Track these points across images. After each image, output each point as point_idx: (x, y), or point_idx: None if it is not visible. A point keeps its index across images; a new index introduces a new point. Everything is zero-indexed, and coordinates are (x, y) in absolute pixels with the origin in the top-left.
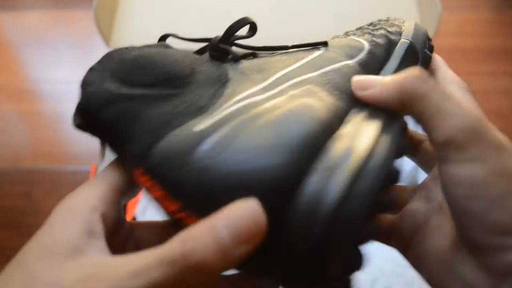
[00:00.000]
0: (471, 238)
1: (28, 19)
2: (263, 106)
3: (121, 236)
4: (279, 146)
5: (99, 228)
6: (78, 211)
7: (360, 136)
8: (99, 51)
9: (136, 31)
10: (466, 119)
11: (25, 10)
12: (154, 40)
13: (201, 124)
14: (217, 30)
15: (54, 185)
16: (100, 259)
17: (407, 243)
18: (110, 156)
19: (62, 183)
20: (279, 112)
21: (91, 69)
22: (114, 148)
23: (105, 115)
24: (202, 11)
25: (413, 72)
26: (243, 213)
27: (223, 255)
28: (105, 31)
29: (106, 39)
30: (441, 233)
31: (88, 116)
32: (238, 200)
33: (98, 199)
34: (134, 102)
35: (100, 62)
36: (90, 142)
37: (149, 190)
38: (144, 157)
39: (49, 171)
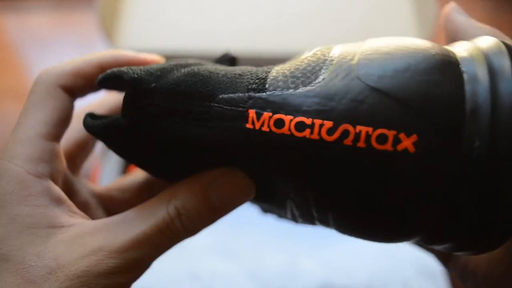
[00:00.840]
0: None
1: (32, 21)
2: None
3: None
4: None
5: (58, 191)
6: (33, 190)
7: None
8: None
9: (139, 32)
10: None
11: (29, 12)
12: (156, 40)
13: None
14: (220, 30)
15: None
16: (83, 226)
17: (448, 254)
18: (111, 156)
19: None
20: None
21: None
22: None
23: (174, 75)
24: (205, 11)
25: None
26: (232, 182)
27: (215, 219)
28: (108, 32)
29: (109, 40)
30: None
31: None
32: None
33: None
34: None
35: None
36: None
37: (273, 127)
38: (258, 92)
39: None
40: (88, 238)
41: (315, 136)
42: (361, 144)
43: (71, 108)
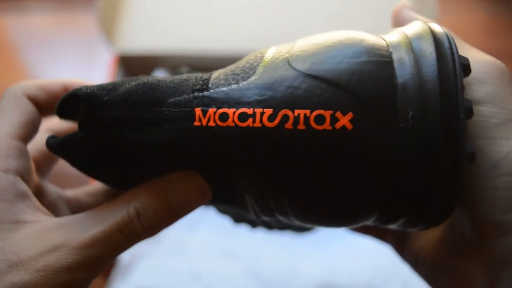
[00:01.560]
0: (480, 219)
1: (33, 21)
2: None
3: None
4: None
5: (24, 186)
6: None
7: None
8: (103, 52)
9: (140, 32)
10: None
11: (30, 12)
12: (156, 41)
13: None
14: (220, 30)
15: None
16: (46, 223)
17: (402, 241)
18: None
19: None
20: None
21: None
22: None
23: (126, 86)
24: (205, 12)
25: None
26: (189, 186)
27: (173, 221)
28: (108, 32)
29: (110, 40)
30: (435, 233)
31: (99, 98)
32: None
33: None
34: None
35: None
36: None
37: (219, 120)
38: (201, 91)
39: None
40: (49, 234)
41: (257, 124)
42: (301, 126)
43: (37, 115)
